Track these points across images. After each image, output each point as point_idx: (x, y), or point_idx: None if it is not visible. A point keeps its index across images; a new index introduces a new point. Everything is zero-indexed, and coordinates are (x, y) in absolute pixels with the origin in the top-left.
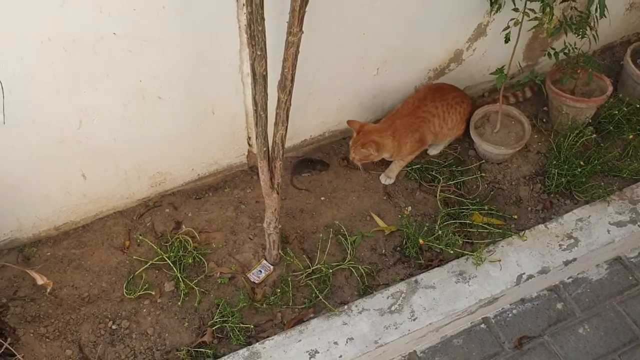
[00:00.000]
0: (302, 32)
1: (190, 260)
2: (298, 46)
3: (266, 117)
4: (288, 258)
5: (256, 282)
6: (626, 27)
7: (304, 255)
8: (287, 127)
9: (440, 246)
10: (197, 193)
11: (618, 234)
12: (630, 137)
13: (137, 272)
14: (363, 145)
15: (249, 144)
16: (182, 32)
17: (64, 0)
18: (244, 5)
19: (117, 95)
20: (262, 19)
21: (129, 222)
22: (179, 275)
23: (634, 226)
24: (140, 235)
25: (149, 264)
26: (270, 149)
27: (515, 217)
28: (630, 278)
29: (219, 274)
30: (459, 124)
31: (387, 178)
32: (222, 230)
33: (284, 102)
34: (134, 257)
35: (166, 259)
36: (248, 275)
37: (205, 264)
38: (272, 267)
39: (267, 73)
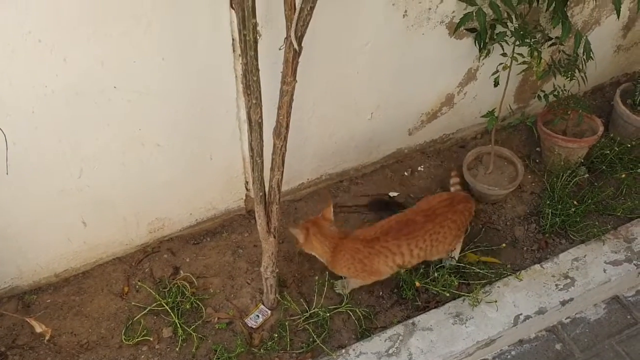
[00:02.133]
0: (296, 81)
1: (188, 306)
2: (292, 94)
3: (262, 162)
4: (285, 302)
5: (254, 327)
6: (615, 68)
7: (302, 299)
8: (282, 172)
9: (436, 288)
10: (195, 238)
11: (614, 273)
12: (623, 175)
13: (135, 318)
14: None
15: (247, 189)
16: (180, 81)
17: (67, 54)
18: (240, 55)
19: (117, 143)
20: (257, 69)
21: (128, 268)
22: (176, 321)
23: (630, 265)
24: (139, 281)
25: (147, 309)
26: (266, 194)
27: (504, 245)
28: (629, 317)
29: (216, 319)
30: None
31: (340, 287)
32: (220, 275)
33: (280, 147)
34: (133, 303)
35: (164, 304)
36: (246, 320)
37: (203, 309)
38: (269, 311)
39: (262, 120)
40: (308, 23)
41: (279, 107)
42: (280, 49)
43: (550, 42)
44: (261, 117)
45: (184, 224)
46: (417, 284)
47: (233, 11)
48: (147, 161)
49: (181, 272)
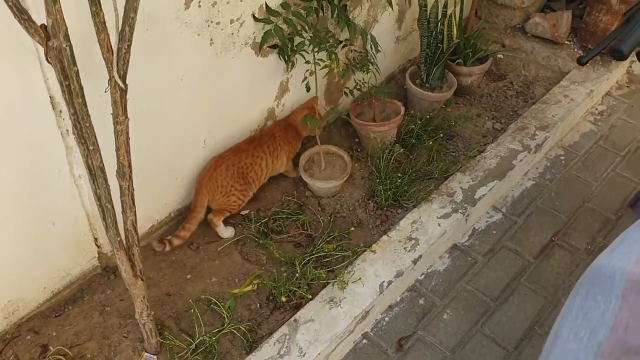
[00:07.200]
0: (128, 119)
1: None
2: (127, 133)
3: (113, 207)
4: (168, 341)
5: None
6: (399, 57)
7: (184, 335)
8: (135, 212)
9: (305, 284)
10: (56, 310)
11: (447, 224)
12: (431, 143)
13: None
14: None
15: (97, 245)
16: (6, 152)
17: None
18: (60, 112)
19: None
20: (88, 115)
21: None
22: None
23: (457, 214)
24: None
25: None
26: (124, 239)
27: (353, 229)
28: (469, 259)
29: None
30: None
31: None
32: (94, 338)
33: (127, 188)
34: None
35: None
36: None
37: None
38: (154, 356)
39: (103, 165)
40: (128, 61)
41: (116, 148)
42: (105, 92)
43: (342, 44)
44: (102, 162)
45: (40, 300)
46: (284, 298)
47: (46, 70)
48: None
49: (50, 348)
